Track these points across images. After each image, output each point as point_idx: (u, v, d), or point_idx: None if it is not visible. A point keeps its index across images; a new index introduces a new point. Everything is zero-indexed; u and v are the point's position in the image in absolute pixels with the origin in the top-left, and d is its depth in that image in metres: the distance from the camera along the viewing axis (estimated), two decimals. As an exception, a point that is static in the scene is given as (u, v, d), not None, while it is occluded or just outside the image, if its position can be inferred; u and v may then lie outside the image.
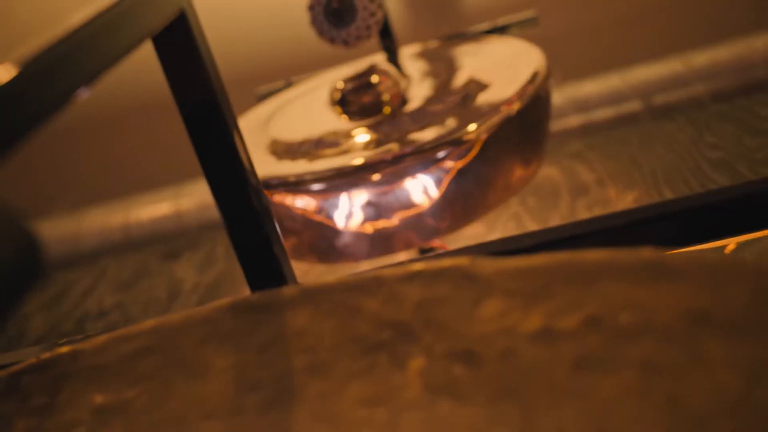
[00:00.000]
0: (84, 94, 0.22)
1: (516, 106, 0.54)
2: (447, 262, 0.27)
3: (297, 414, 0.24)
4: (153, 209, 0.93)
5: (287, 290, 0.28)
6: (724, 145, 0.74)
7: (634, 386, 0.22)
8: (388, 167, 0.52)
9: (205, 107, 0.32)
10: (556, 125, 0.83)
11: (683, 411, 0.21)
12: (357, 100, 0.58)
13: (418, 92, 0.61)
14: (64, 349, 0.30)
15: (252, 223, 0.33)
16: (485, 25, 0.71)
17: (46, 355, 0.30)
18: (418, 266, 0.27)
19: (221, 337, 0.28)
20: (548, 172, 0.77)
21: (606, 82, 0.85)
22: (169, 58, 0.31)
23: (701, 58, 0.84)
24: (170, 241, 0.91)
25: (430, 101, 0.59)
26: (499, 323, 0.24)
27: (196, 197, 0.92)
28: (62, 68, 0.21)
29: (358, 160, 0.53)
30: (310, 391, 0.25)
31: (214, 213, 0.90)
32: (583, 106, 0.84)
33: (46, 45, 0.21)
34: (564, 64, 0.73)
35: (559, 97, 0.83)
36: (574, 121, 0.85)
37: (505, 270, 0.26)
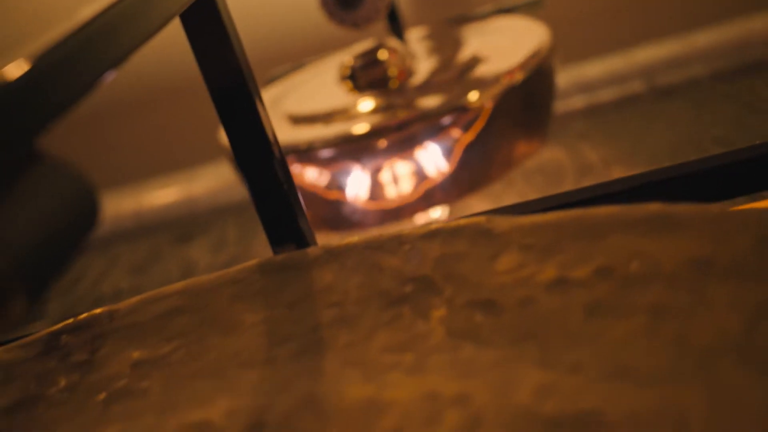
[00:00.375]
0: (111, 76, 0.23)
1: (519, 76, 0.55)
2: (464, 221, 0.28)
3: (328, 361, 0.26)
4: (165, 194, 0.94)
5: (312, 250, 0.30)
6: (725, 123, 0.75)
7: (643, 328, 0.23)
8: (394, 133, 0.54)
9: (231, 82, 0.33)
10: (560, 106, 0.85)
11: (690, 348, 0.22)
12: (365, 75, 0.60)
13: (425, 67, 0.62)
14: (99, 310, 0.31)
15: (276, 193, 0.35)
16: (491, 8, 0.72)
17: (83, 315, 0.31)
18: (437, 224, 0.28)
19: (251, 295, 0.29)
20: (553, 151, 0.79)
21: (609, 63, 0.86)
22: (196, 35, 0.33)
23: (702, 39, 0.85)
24: (182, 225, 0.92)
25: (435, 74, 0.60)
26: (516, 275, 0.26)
27: (207, 182, 0.93)
28: (92, 50, 0.21)
29: (363, 127, 0.55)
30: (339, 342, 0.26)
31: (225, 197, 0.92)
32: (587, 87, 0.86)
33: (75, 26, 0.20)
34: (568, 45, 0.74)
35: (563, 78, 0.85)
36: (578, 102, 0.86)
37: (520, 226, 0.27)
